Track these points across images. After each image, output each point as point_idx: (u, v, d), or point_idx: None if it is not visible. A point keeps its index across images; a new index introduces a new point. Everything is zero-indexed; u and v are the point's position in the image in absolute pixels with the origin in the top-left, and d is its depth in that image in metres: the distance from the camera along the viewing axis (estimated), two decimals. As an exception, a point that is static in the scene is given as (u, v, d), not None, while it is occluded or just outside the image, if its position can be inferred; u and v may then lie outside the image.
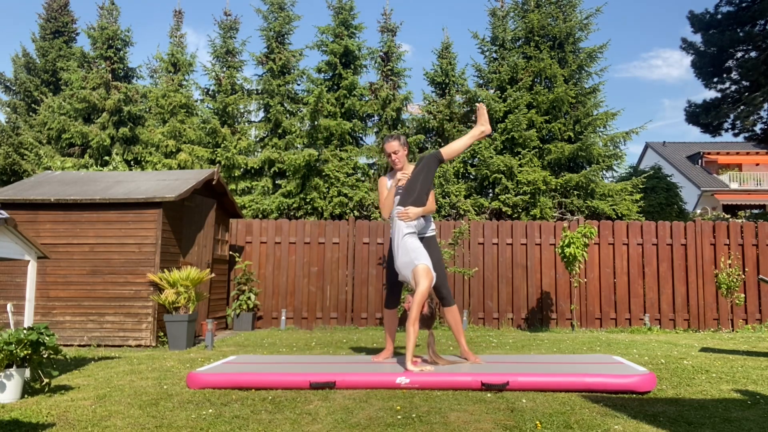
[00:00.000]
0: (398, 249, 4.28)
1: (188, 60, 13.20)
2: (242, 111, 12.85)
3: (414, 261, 4.17)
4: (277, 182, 12.16)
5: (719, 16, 15.75)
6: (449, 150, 4.57)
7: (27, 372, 3.74)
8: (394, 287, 4.72)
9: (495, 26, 12.84)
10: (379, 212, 11.28)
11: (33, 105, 15.50)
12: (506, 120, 11.70)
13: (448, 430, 2.85)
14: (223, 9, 22.53)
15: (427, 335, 4.38)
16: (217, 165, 11.10)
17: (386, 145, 4.65)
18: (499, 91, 12.51)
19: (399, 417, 3.08)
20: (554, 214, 11.44)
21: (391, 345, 4.76)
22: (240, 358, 4.92)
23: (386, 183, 4.70)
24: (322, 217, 11.31)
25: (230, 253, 8.68)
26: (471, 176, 12.15)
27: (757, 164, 29.04)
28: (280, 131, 12.38)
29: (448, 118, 12.02)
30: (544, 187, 11.30)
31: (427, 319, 4.24)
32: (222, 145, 12.00)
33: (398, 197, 4.54)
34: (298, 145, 12.30)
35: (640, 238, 8.86)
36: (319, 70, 12.60)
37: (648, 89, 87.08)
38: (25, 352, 3.61)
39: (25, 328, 3.75)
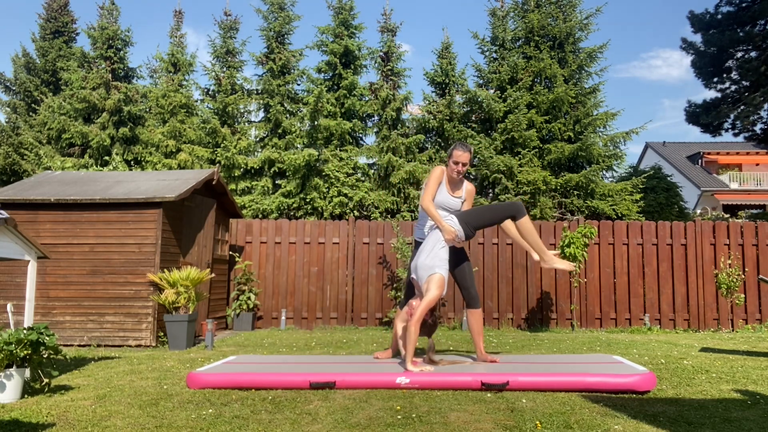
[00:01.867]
0: (428, 252, 4.28)
1: (188, 60, 13.19)
2: (242, 111, 12.84)
3: (434, 268, 4.18)
4: (277, 182, 12.15)
5: (719, 16, 15.75)
6: (527, 221, 4.46)
7: (27, 372, 3.74)
8: (413, 290, 4.65)
9: (495, 26, 12.84)
10: (379, 212, 11.28)
11: (33, 105, 15.50)
12: (506, 120, 11.69)
13: (448, 430, 2.85)
14: (223, 9, 22.53)
15: (427, 341, 4.39)
16: (217, 165, 11.09)
17: (462, 153, 4.47)
18: (499, 91, 12.50)
19: (399, 417, 3.08)
20: (554, 214, 11.44)
21: (396, 345, 4.73)
22: (240, 358, 4.92)
23: (441, 176, 4.53)
24: (322, 217, 11.31)
25: (230, 253, 8.68)
26: (471, 176, 12.14)
27: (757, 164, 29.04)
28: (280, 131, 12.38)
29: (448, 118, 12.02)
30: (544, 187, 11.30)
31: (429, 327, 4.24)
32: (222, 145, 12.00)
33: (446, 199, 4.54)
34: (298, 145, 12.30)
35: (640, 238, 8.85)
36: (319, 70, 12.60)
37: (648, 89, 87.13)
38: (25, 352, 3.61)
39: (25, 328, 3.75)
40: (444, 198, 4.53)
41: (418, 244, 4.60)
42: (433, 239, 4.33)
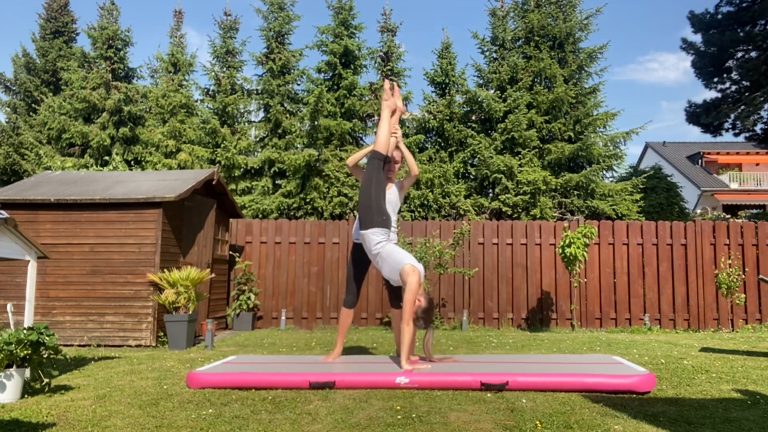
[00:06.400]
0: (379, 260, 4.31)
1: (188, 60, 13.20)
2: (242, 111, 12.85)
3: (397, 265, 4.17)
4: (277, 182, 12.15)
5: (719, 16, 15.74)
6: (379, 143, 4.60)
7: (27, 372, 3.74)
8: (352, 287, 4.72)
9: (495, 26, 12.84)
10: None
11: (33, 105, 15.50)
12: (506, 120, 11.69)
13: (448, 430, 2.85)
14: (223, 9, 22.54)
15: (425, 333, 4.36)
16: (217, 165, 11.10)
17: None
18: (499, 91, 12.50)
19: (399, 417, 3.08)
20: (554, 214, 11.44)
21: (340, 346, 4.73)
22: (240, 358, 4.92)
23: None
24: (322, 217, 11.31)
25: (230, 253, 8.68)
26: (471, 176, 12.15)
27: (757, 164, 29.02)
28: (280, 131, 12.38)
29: (448, 118, 12.02)
30: (544, 187, 11.30)
31: (427, 312, 4.18)
32: (222, 145, 12.00)
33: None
34: (298, 145, 12.30)
35: (640, 238, 8.85)
36: (319, 70, 12.60)
37: (645, 92, 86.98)
38: (25, 352, 3.61)
39: (25, 328, 3.75)
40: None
41: (356, 247, 4.66)
42: (368, 248, 4.34)
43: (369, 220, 4.29)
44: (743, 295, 8.46)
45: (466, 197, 11.61)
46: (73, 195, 6.76)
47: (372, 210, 4.30)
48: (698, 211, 21.51)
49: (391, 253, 4.24)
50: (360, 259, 4.64)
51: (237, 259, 8.68)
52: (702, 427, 2.90)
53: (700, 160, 29.69)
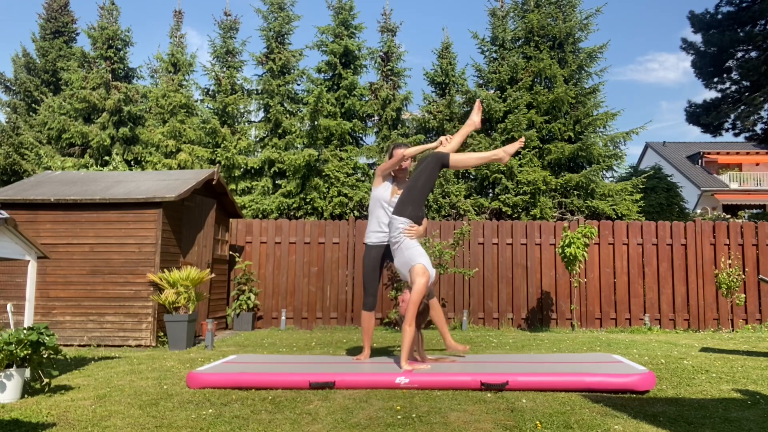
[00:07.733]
0: (396, 249, 4.33)
1: (188, 60, 13.19)
2: (242, 111, 12.84)
3: (410, 261, 4.21)
4: (277, 182, 12.15)
5: (719, 16, 15.76)
6: (457, 159, 4.60)
7: (27, 372, 3.74)
8: (372, 289, 4.78)
9: (495, 26, 12.84)
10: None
11: (33, 105, 15.50)
12: (506, 120, 11.69)
13: (448, 430, 2.85)
14: (223, 9, 22.55)
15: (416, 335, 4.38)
16: (217, 165, 11.09)
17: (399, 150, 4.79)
18: (499, 91, 12.50)
19: (399, 417, 3.08)
20: (554, 214, 11.44)
21: (368, 349, 4.80)
22: (240, 357, 4.92)
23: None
24: (322, 217, 11.31)
25: (230, 253, 8.68)
26: (471, 176, 12.14)
27: (757, 164, 29.03)
28: (280, 131, 12.38)
29: (448, 118, 12.01)
30: (544, 187, 11.30)
31: (418, 315, 4.23)
32: (222, 145, 12.00)
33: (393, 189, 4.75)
34: (298, 145, 12.30)
35: (640, 238, 8.85)
36: (319, 70, 12.60)
37: (645, 92, 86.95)
38: (25, 352, 3.61)
39: (25, 328, 3.75)
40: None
41: (368, 249, 4.77)
42: (393, 234, 4.39)
43: (405, 208, 4.40)
44: (743, 295, 8.46)
45: (466, 197, 11.61)
46: (73, 195, 6.77)
47: (412, 201, 4.41)
48: (698, 211, 21.51)
49: (410, 247, 4.30)
50: (375, 260, 4.72)
51: (237, 259, 8.68)
52: (702, 427, 2.90)
53: (700, 160, 29.69)
